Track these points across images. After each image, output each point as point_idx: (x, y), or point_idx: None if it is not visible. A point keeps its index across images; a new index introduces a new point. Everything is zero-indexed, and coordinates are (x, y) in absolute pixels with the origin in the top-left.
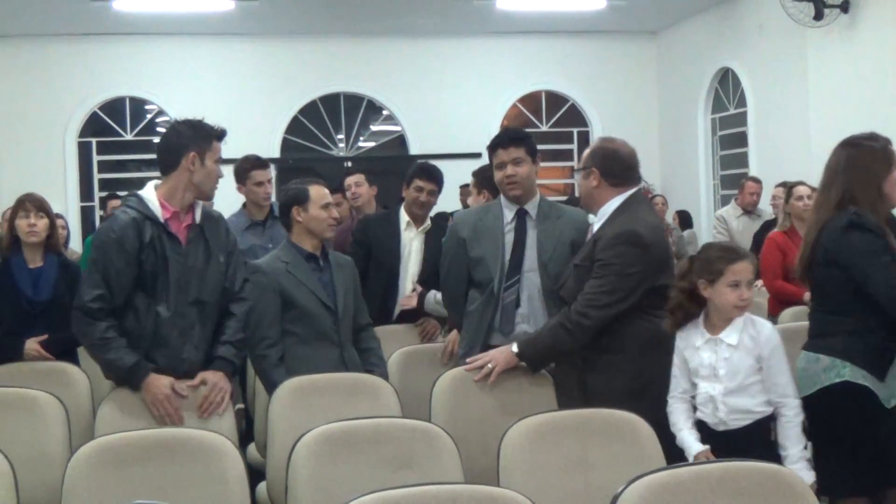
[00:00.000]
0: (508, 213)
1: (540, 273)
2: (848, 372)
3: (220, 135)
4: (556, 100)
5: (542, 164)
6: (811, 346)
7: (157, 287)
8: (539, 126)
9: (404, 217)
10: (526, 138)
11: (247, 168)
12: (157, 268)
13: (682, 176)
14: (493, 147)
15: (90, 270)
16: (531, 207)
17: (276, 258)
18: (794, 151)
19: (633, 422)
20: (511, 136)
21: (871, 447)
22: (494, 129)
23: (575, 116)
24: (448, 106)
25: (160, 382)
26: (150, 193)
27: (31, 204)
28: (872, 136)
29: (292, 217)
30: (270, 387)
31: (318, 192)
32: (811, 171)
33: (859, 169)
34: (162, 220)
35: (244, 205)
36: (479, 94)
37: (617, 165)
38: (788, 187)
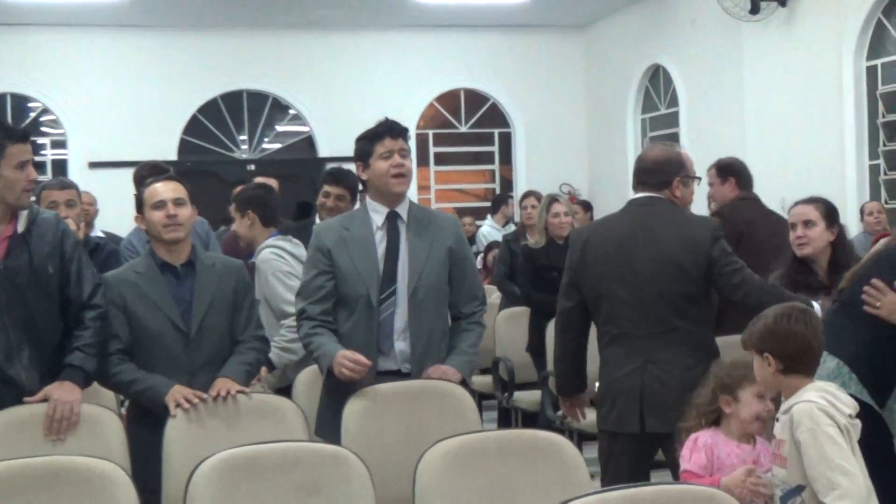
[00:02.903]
0: (377, 218)
1: (413, 284)
2: (853, 385)
3: (17, 137)
4: (476, 99)
5: (462, 168)
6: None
7: None
8: (458, 127)
9: None
10: (407, 131)
11: (144, 175)
12: None
13: (610, 179)
14: (380, 135)
15: None
16: (402, 210)
17: (131, 268)
18: (728, 153)
19: (558, 443)
20: (401, 126)
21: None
22: (410, 131)
23: (496, 117)
24: (359, 105)
25: None
26: None
27: None
28: None
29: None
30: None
31: (151, 193)
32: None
33: None
34: None
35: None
36: (394, 93)
37: None
38: None
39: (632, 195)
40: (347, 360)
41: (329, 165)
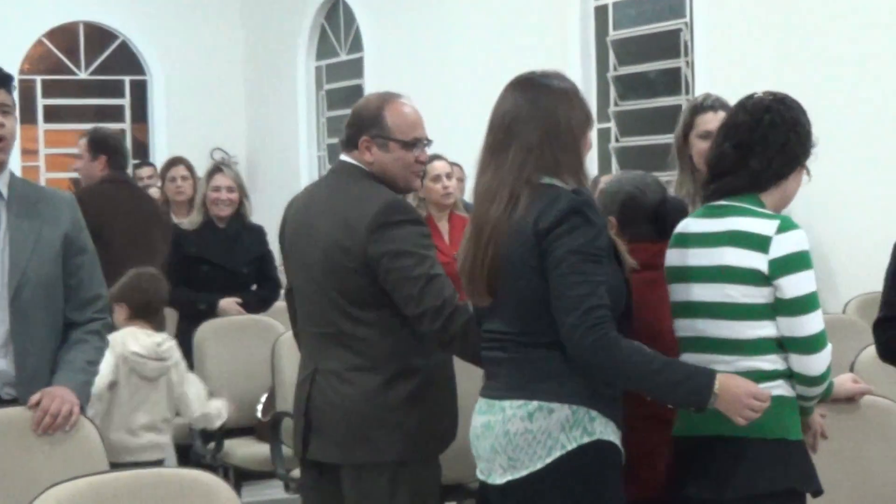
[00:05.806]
0: None
1: (15, 281)
2: (598, 426)
3: None
4: (100, 36)
5: (81, 126)
6: (520, 391)
7: None
8: (76, 72)
9: None
10: (11, 80)
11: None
12: None
13: (275, 145)
14: None
15: None
16: (1, 185)
17: None
18: (429, 111)
19: (210, 484)
20: (2, 73)
21: None
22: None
23: (127, 60)
24: None
25: None
26: None
27: None
28: (558, 75)
29: None
30: None
31: None
32: (453, 137)
33: (553, 123)
34: None
35: None
36: None
37: None
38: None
39: (303, 163)
40: None
41: None
